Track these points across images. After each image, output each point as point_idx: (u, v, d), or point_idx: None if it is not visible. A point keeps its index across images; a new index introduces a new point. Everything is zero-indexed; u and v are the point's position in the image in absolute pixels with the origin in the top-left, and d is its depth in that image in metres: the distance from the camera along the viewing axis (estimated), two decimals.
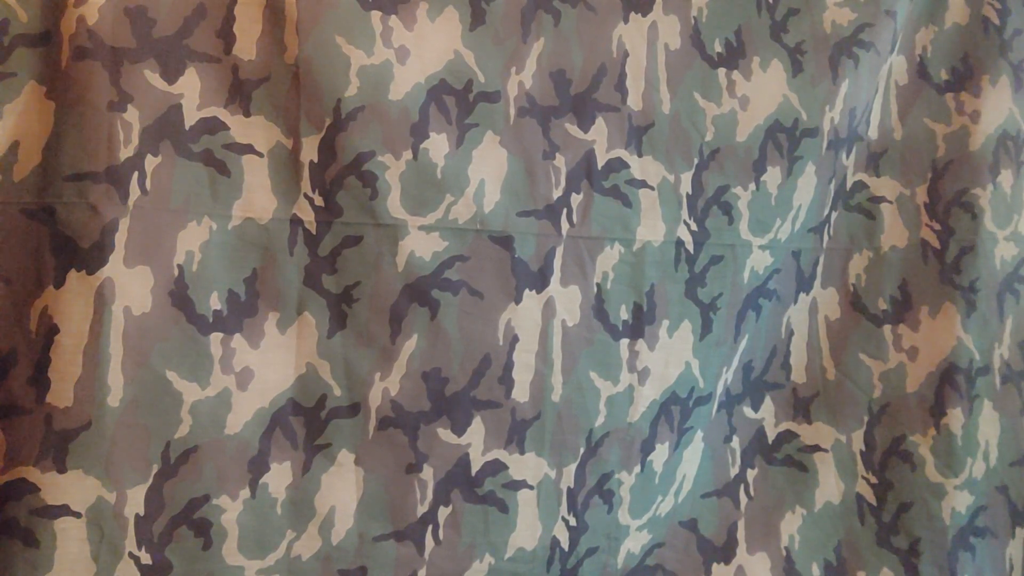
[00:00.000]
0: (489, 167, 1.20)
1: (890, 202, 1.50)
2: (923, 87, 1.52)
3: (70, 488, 1.00)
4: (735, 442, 1.42)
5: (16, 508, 0.99)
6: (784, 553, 1.41)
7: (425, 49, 1.16)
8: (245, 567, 1.08)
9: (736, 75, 1.35)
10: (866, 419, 1.47)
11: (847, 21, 1.40)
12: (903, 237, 1.50)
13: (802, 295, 1.46)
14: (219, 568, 1.07)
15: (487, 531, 1.19)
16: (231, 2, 1.09)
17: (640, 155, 1.28)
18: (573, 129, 1.25)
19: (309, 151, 1.12)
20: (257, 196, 1.10)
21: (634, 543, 1.30)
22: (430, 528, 1.16)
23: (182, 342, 1.06)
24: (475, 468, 1.18)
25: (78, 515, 1.01)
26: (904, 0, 1.44)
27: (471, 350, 1.18)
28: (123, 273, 1.03)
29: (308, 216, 1.12)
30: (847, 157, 1.46)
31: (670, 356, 1.30)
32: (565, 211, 1.24)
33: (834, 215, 1.47)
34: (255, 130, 1.10)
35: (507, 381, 1.20)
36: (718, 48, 1.34)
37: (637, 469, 1.28)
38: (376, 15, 1.14)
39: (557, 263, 1.23)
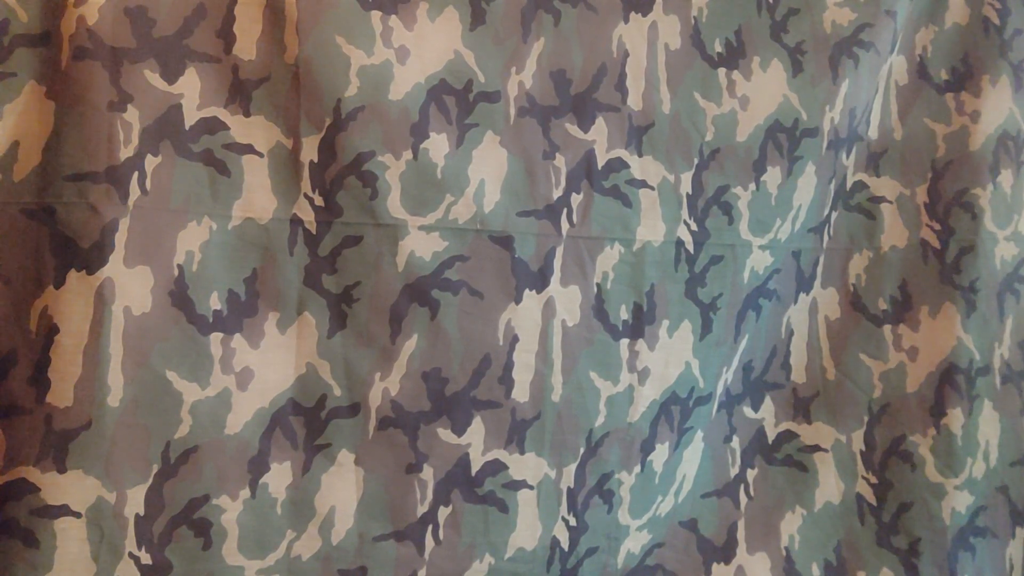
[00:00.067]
0: (489, 167, 1.20)
1: (890, 202, 1.50)
2: (923, 87, 1.52)
3: (70, 488, 1.00)
4: (735, 442, 1.42)
5: (16, 508, 1.00)
6: (784, 553, 1.41)
7: (425, 49, 1.16)
8: (245, 567, 1.08)
9: (736, 75, 1.35)
10: (866, 419, 1.47)
11: (847, 21, 1.40)
12: (903, 237, 1.50)
13: (802, 295, 1.46)
14: (219, 568, 1.07)
15: (487, 531, 1.19)
16: (231, 2, 1.09)
17: (640, 155, 1.28)
18: (573, 129, 1.25)
19: (309, 151, 1.12)
20: (257, 196, 1.10)
21: (634, 543, 1.30)
22: (430, 528, 1.16)
23: (182, 342, 1.06)
24: (475, 468, 1.18)
25: (78, 515, 1.01)
26: (904, 0, 1.44)
27: (471, 350, 1.18)
28: (123, 273, 1.03)
29: (308, 216, 1.12)
30: (847, 157, 1.46)
31: (670, 356, 1.30)
32: (565, 211, 1.24)
33: (834, 215, 1.47)
34: (255, 130, 1.10)
35: (507, 381, 1.20)
36: (718, 48, 1.34)
37: (637, 469, 1.28)
38: (376, 15, 1.14)
39: (557, 263, 1.23)
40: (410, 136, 1.15)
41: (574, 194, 1.25)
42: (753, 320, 1.38)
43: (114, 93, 1.03)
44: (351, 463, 1.14)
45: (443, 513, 1.17)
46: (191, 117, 1.07)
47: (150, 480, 1.04)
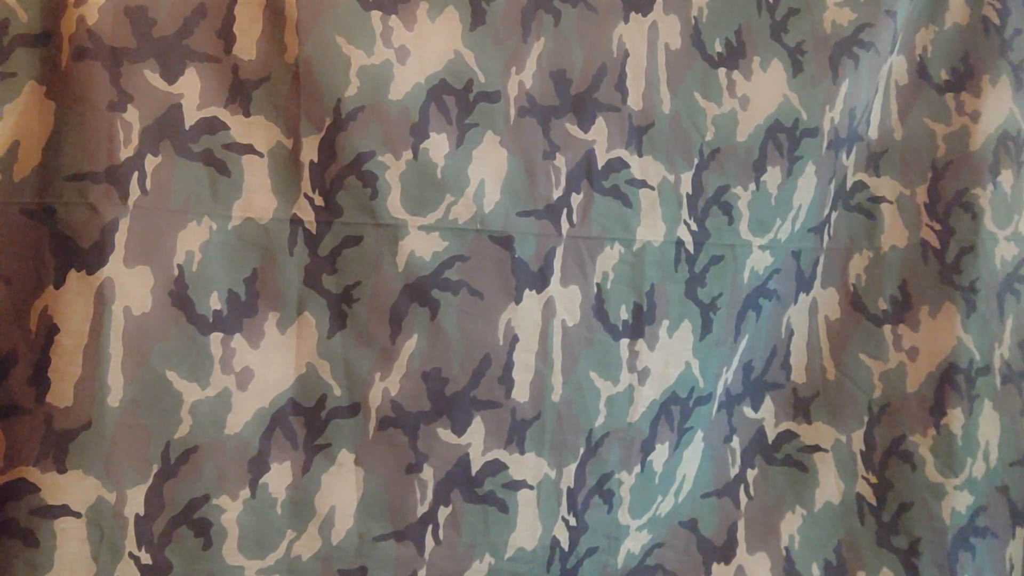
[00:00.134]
0: (489, 167, 1.20)
1: (890, 202, 1.50)
2: (923, 87, 1.52)
3: (70, 488, 1.00)
4: (735, 442, 1.42)
5: (16, 508, 0.99)
6: (784, 553, 1.41)
7: (425, 49, 1.16)
8: (245, 567, 1.08)
9: (736, 75, 1.35)
10: (866, 419, 1.47)
11: (847, 21, 1.40)
12: (903, 237, 1.50)
13: (802, 295, 1.46)
14: (219, 568, 1.07)
15: (487, 531, 1.19)
16: (231, 2, 1.09)
17: (640, 155, 1.28)
18: (573, 129, 1.25)
19: (309, 151, 1.12)
20: (257, 196, 1.10)
21: (634, 543, 1.30)
22: (430, 528, 1.16)
23: (182, 342, 1.06)
24: (475, 468, 1.18)
25: (78, 515, 1.01)
26: (904, 0, 1.44)
27: (471, 350, 1.18)
28: (123, 273, 1.03)
29: (308, 216, 1.12)
30: (847, 157, 1.46)
31: (670, 356, 1.30)
32: (565, 211, 1.24)
33: (834, 215, 1.47)
34: (255, 130, 1.10)
35: (507, 381, 1.20)
36: (718, 48, 1.34)
37: (637, 469, 1.28)
38: (376, 15, 1.14)
39: (557, 263, 1.23)
40: (410, 136, 1.14)
41: (574, 194, 1.25)
42: (753, 320, 1.38)
43: (114, 93, 1.03)
44: (351, 463, 1.14)
45: (443, 513, 1.17)
46: (191, 117, 1.07)
47: (150, 480, 1.04)
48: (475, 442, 1.18)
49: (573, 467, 1.24)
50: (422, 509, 1.16)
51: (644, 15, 1.30)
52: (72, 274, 1.01)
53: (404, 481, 1.15)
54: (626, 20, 1.29)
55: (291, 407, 1.12)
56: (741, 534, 1.39)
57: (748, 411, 1.43)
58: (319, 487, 1.12)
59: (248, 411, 1.09)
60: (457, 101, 1.18)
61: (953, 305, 1.48)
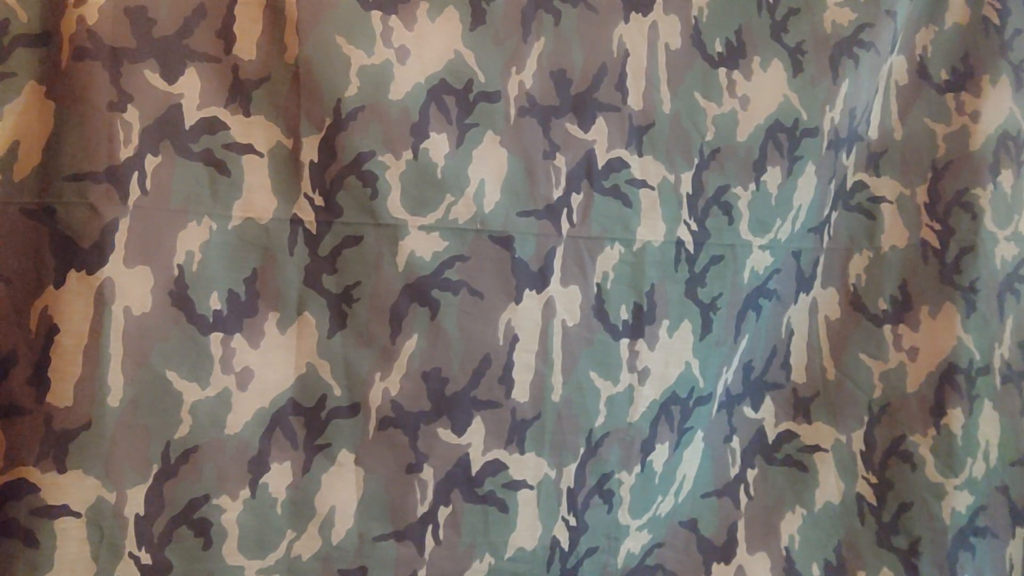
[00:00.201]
0: (489, 167, 1.20)
1: (890, 202, 1.50)
2: (923, 87, 1.52)
3: (70, 488, 1.00)
4: (735, 442, 1.42)
5: (16, 508, 0.99)
6: (784, 553, 1.41)
7: (425, 49, 1.16)
8: (245, 567, 1.08)
9: (736, 75, 1.35)
10: (866, 419, 1.47)
11: (847, 21, 1.40)
12: (903, 237, 1.50)
13: (802, 295, 1.46)
14: (219, 568, 1.07)
15: (487, 531, 1.19)
16: (231, 2, 1.09)
17: (640, 155, 1.28)
18: (573, 129, 1.25)
19: (309, 151, 1.12)
20: (257, 196, 1.10)
21: (634, 543, 1.30)
22: (430, 528, 1.16)
23: (182, 342, 1.06)
24: (475, 468, 1.18)
25: (78, 515, 1.01)
26: (904, 0, 1.44)
27: (471, 350, 1.18)
28: (123, 273, 1.03)
29: (308, 216, 1.12)
30: (847, 157, 1.46)
31: (670, 356, 1.30)
32: (565, 211, 1.24)
33: (834, 215, 1.47)
34: (255, 130, 1.10)
35: (507, 381, 1.20)
36: (718, 48, 1.34)
37: (637, 469, 1.28)
38: (376, 15, 1.14)
39: (557, 263, 1.23)
40: (410, 136, 1.14)
41: (574, 194, 1.25)
42: (753, 320, 1.38)
43: (114, 93, 1.03)
44: (351, 463, 1.14)
45: (443, 513, 1.17)
46: (191, 117, 1.07)
47: (150, 480, 1.04)
48: (475, 442, 1.18)
49: (573, 467, 1.24)
50: (422, 509, 1.16)
51: (644, 15, 1.30)
52: (72, 274, 1.01)
53: (404, 481, 1.15)
54: (626, 20, 1.28)
55: (291, 407, 1.12)
56: (741, 534, 1.39)
57: (748, 411, 1.43)
58: (319, 487, 1.12)
59: (248, 411, 1.09)
60: (457, 101, 1.18)
61: (953, 305, 1.48)
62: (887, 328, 1.48)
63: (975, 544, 1.46)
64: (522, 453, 1.21)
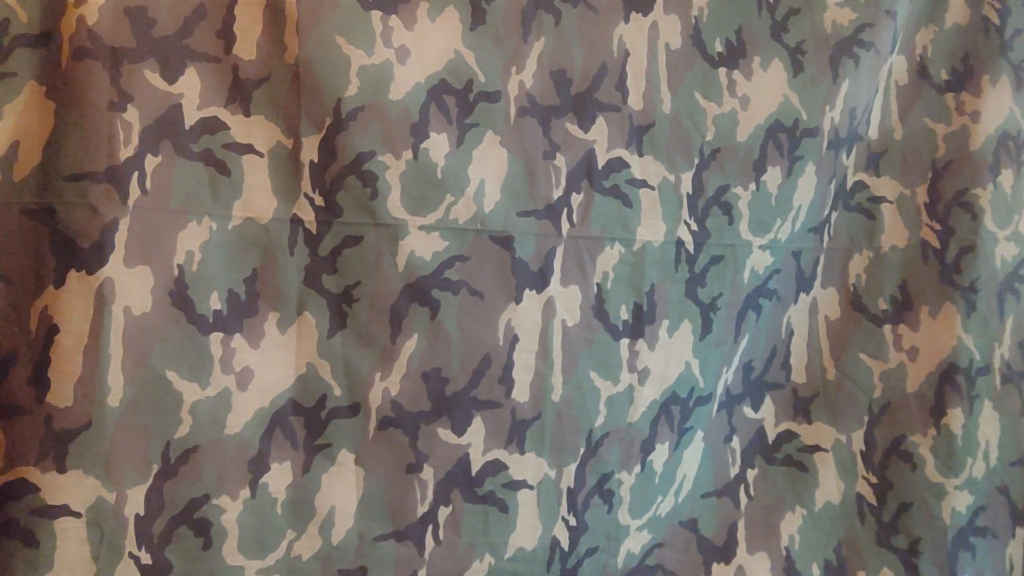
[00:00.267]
0: (489, 167, 1.20)
1: (890, 202, 1.50)
2: (923, 87, 1.52)
3: (70, 488, 1.00)
4: (735, 442, 1.42)
5: (16, 508, 0.99)
6: (784, 553, 1.41)
7: (425, 49, 1.16)
8: (245, 567, 1.08)
9: (737, 75, 1.35)
10: (866, 419, 1.47)
11: (847, 21, 1.40)
12: (903, 237, 1.50)
13: (802, 295, 1.46)
14: (219, 568, 1.07)
15: (487, 531, 1.19)
16: (231, 2, 1.09)
17: (640, 155, 1.28)
18: (573, 129, 1.25)
19: (309, 151, 1.12)
20: (257, 196, 1.10)
21: (634, 543, 1.30)
22: (430, 528, 1.16)
23: (182, 342, 1.06)
24: (475, 468, 1.18)
25: (78, 515, 1.01)
26: (904, 0, 1.44)
27: (471, 350, 1.18)
28: (123, 273, 1.03)
29: (308, 216, 1.12)
30: (847, 157, 1.46)
31: (670, 356, 1.30)
32: (565, 211, 1.24)
33: (834, 215, 1.47)
34: (255, 130, 1.10)
35: (507, 381, 1.20)
36: (719, 48, 1.34)
37: (637, 469, 1.28)
38: (376, 15, 1.14)
39: (557, 263, 1.23)
40: (410, 136, 1.14)
41: (574, 194, 1.25)
42: (753, 320, 1.38)
43: (114, 93, 1.03)
44: (351, 463, 1.14)
45: (443, 513, 1.17)
46: (191, 117, 1.07)
47: (150, 480, 1.04)
48: (475, 442, 1.18)
49: (573, 467, 1.24)
50: (422, 509, 1.16)
51: (644, 15, 1.30)
52: (72, 274, 1.01)
53: (404, 481, 1.15)
54: (626, 20, 1.28)
55: (291, 407, 1.12)
56: (741, 534, 1.39)
57: (748, 411, 1.43)
58: (319, 487, 1.12)
59: (248, 411, 1.09)
60: (457, 101, 1.18)
61: (953, 305, 1.48)
62: (887, 328, 1.48)
63: (975, 544, 1.46)
64: (522, 453, 1.21)
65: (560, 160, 1.24)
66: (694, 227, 1.31)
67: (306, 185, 1.12)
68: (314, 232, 1.12)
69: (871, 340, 1.48)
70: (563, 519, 1.23)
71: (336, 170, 1.12)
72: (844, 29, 1.40)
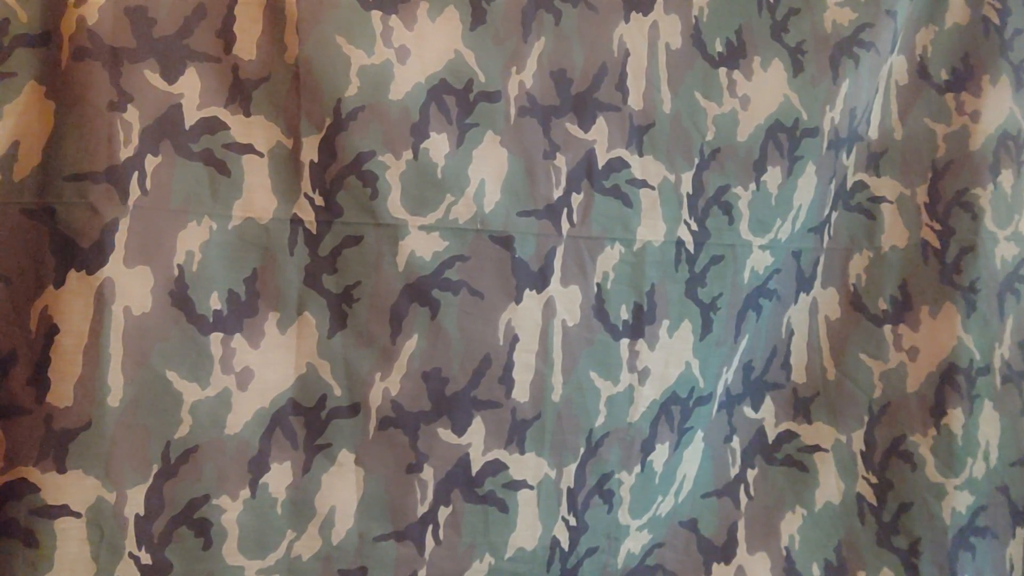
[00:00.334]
0: (489, 167, 1.20)
1: (890, 202, 1.50)
2: (923, 87, 1.52)
3: (70, 488, 1.00)
4: (735, 442, 1.42)
5: (16, 508, 0.99)
6: (784, 553, 1.41)
7: (425, 49, 1.16)
8: (245, 567, 1.08)
9: (737, 75, 1.35)
10: (866, 419, 1.47)
11: (848, 21, 1.40)
12: (903, 237, 1.50)
13: (802, 295, 1.46)
14: (219, 568, 1.07)
15: (487, 531, 1.19)
16: (231, 2, 1.09)
17: (641, 155, 1.28)
18: (574, 129, 1.25)
19: (309, 151, 1.12)
20: (257, 196, 1.10)
21: (634, 543, 1.30)
22: (430, 528, 1.16)
23: (182, 342, 1.06)
24: (475, 468, 1.18)
25: (78, 515, 1.01)
26: (904, 0, 1.44)
27: (471, 350, 1.18)
28: (123, 273, 1.03)
29: (308, 216, 1.12)
30: (847, 157, 1.46)
31: (670, 356, 1.30)
32: (565, 211, 1.24)
33: (834, 215, 1.47)
34: (255, 130, 1.10)
35: (507, 381, 1.20)
36: (719, 48, 1.34)
37: (637, 469, 1.28)
38: (376, 15, 1.14)
39: (557, 263, 1.23)
40: (410, 136, 1.14)
41: (574, 194, 1.25)
42: (753, 320, 1.38)
43: (114, 93, 1.03)
44: (351, 463, 1.14)
45: (443, 513, 1.17)
46: (191, 117, 1.07)
47: (150, 480, 1.04)
48: (475, 442, 1.18)
49: (573, 467, 1.23)
50: (422, 509, 1.16)
51: (645, 15, 1.30)
52: (72, 274, 1.01)
53: (404, 481, 1.15)
54: (627, 20, 1.28)
55: (291, 407, 1.12)
56: (741, 534, 1.39)
57: (748, 411, 1.43)
58: (319, 487, 1.12)
59: (248, 411, 1.09)
60: (457, 101, 1.18)
61: (953, 305, 1.48)
62: (887, 328, 1.48)
63: (975, 544, 1.46)
64: (522, 453, 1.21)
65: (560, 160, 1.24)
66: (694, 227, 1.31)
67: (306, 185, 1.12)
68: (314, 232, 1.12)
69: (871, 340, 1.48)
70: (563, 519, 1.23)
71: (336, 170, 1.12)
72: (844, 29, 1.40)
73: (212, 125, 1.08)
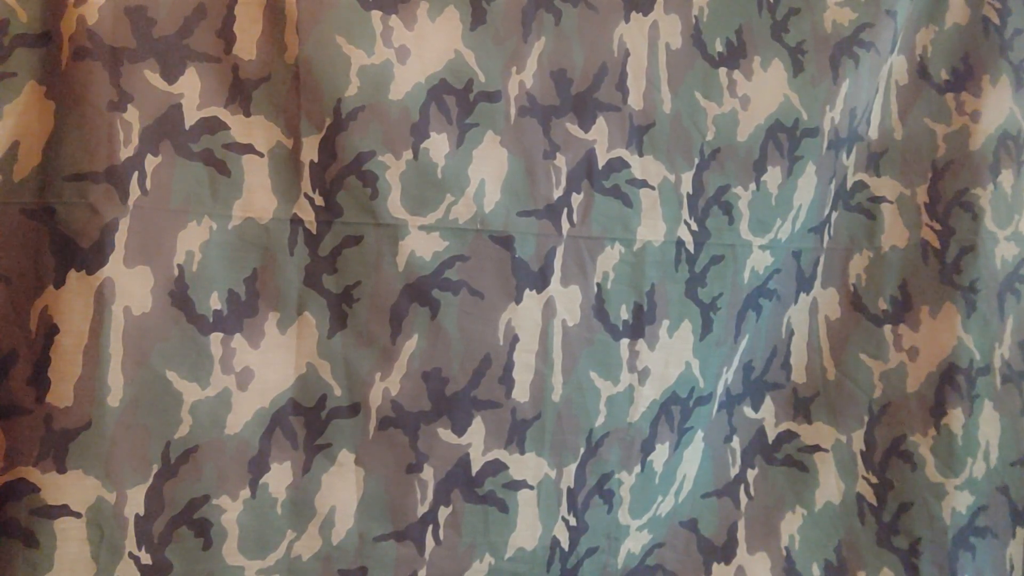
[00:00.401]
0: (489, 167, 1.20)
1: (890, 202, 1.50)
2: (923, 87, 1.52)
3: (70, 488, 1.00)
4: (735, 442, 1.42)
5: (16, 508, 0.99)
6: (784, 553, 1.41)
7: (425, 49, 1.16)
8: (245, 567, 1.08)
9: (737, 75, 1.35)
10: (866, 419, 1.47)
11: (848, 21, 1.40)
12: (903, 237, 1.50)
13: (802, 295, 1.46)
14: (219, 568, 1.07)
15: (487, 531, 1.19)
16: (231, 2, 1.09)
17: (641, 155, 1.28)
18: (574, 129, 1.25)
19: (309, 151, 1.11)
20: (257, 196, 1.10)
21: (634, 543, 1.30)
22: (430, 528, 1.16)
23: (182, 342, 1.06)
24: (475, 468, 1.18)
25: (78, 515, 1.01)
26: (904, 0, 1.44)
27: (471, 350, 1.18)
28: (123, 273, 1.03)
29: (308, 216, 1.12)
30: (847, 157, 1.46)
31: (670, 356, 1.30)
32: (565, 211, 1.24)
33: (834, 215, 1.47)
34: (255, 130, 1.10)
35: (507, 381, 1.20)
36: (719, 47, 1.34)
37: (637, 469, 1.28)
38: (376, 15, 1.14)
39: (557, 263, 1.23)
40: (410, 136, 1.14)
41: (574, 194, 1.25)
42: (753, 320, 1.38)
43: (114, 93, 1.03)
44: (351, 463, 1.14)
45: (443, 513, 1.17)
46: (191, 117, 1.07)
47: (150, 480, 1.04)
48: (475, 442, 1.18)
49: (573, 467, 1.23)
50: (422, 509, 1.16)
51: (645, 15, 1.30)
52: (72, 274, 1.01)
53: (404, 481, 1.15)
54: (627, 20, 1.28)
55: (291, 407, 1.12)
56: (741, 534, 1.39)
57: (748, 411, 1.43)
58: (319, 487, 1.12)
59: (248, 411, 1.09)
60: (457, 101, 1.18)
61: (953, 305, 1.48)
62: (887, 328, 1.48)
63: (975, 544, 1.46)
64: (522, 453, 1.21)
65: (560, 160, 1.24)
66: (694, 227, 1.31)
67: (306, 185, 1.12)
68: (314, 232, 1.12)
69: (871, 340, 1.48)
70: (563, 519, 1.23)
71: (336, 170, 1.12)
72: (844, 29, 1.40)
73: (212, 125, 1.08)
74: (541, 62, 1.23)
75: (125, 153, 1.03)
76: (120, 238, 1.02)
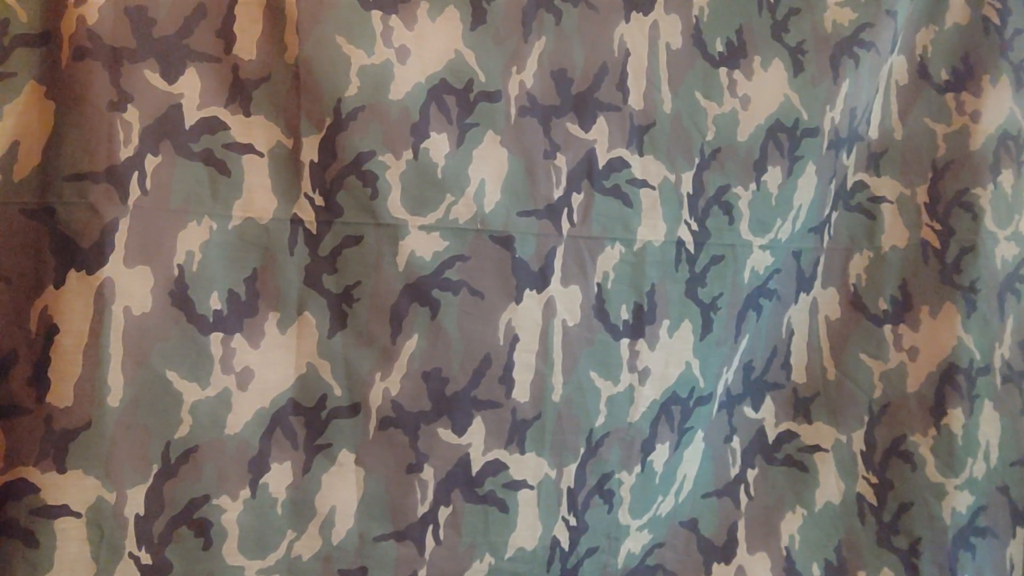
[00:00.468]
0: (490, 167, 1.20)
1: (890, 202, 1.50)
2: (923, 87, 1.52)
3: (70, 488, 1.00)
4: (735, 442, 1.42)
5: (16, 508, 0.99)
6: (784, 553, 1.41)
7: (426, 49, 1.16)
8: (245, 567, 1.08)
9: (737, 74, 1.35)
10: (866, 419, 1.47)
11: (848, 21, 1.40)
12: (903, 237, 1.50)
13: (802, 295, 1.46)
14: (219, 568, 1.07)
15: (487, 531, 1.19)
16: (231, 2, 1.09)
17: (641, 155, 1.28)
18: (574, 128, 1.25)
19: (309, 151, 1.11)
20: (257, 196, 1.10)
21: (634, 543, 1.30)
22: (430, 528, 1.16)
23: (182, 342, 1.06)
24: (475, 468, 1.18)
25: (78, 515, 1.01)
26: (904, 0, 1.44)
27: (471, 350, 1.18)
28: (123, 273, 1.03)
29: (308, 216, 1.12)
30: (847, 157, 1.46)
31: (670, 356, 1.30)
32: (566, 211, 1.24)
33: (834, 215, 1.47)
34: (255, 130, 1.10)
35: (507, 381, 1.20)
36: (719, 47, 1.34)
37: (637, 469, 1.28)
38: (376, 15, 1.14)
39: (558, 263, 1.23)
40: (410, 136, 1.14)
41: (575, 194, 1.24)
42: (753, 320, 1.38)
43: (114, 93, 1.03)
44: (351, 463, 1.14)
45: (443, 513, 1.17)
46: (191, 117, 1.07)
47: (150, 480, 1.04)
48: (475, 442, 1.18)
49: (573, 467, 1.23)
50: (422, 509, 1.16)
51: (645, 14, 1.30)
52: (72, 274, 1.01)
53: (404, 481, 1.15)
54: (627, 19, 1.28)
55: (291, 407, 1.12)
56: (741, 534, 1.39)
57: (748, 411, 1.43)
58: (319, 487, 1.12)
59: (248, 411, 1.09)
60: (457, 101, 1.18)
61: (953, 305, 1.48)
62: (887, 328, 1.48)
63: (975, 544, 1.47)
64: (522, 453, 1.21)
65: (560, 160, 1.24)
66: (694, 227, 1.31)
67: (306, 185, 1.12)
68: (314, 232, 1.12)
69: (871, 340, 1.48)
70: (563, 519, 1.23)
71: (336, 170, 1.12)
72: (844, 29, 1.40)
73: (212, 125, 1.08)
74: (541, 62, 1.23)
75: (125, 153, 1.03)
76: (120, 238, 1.02)
